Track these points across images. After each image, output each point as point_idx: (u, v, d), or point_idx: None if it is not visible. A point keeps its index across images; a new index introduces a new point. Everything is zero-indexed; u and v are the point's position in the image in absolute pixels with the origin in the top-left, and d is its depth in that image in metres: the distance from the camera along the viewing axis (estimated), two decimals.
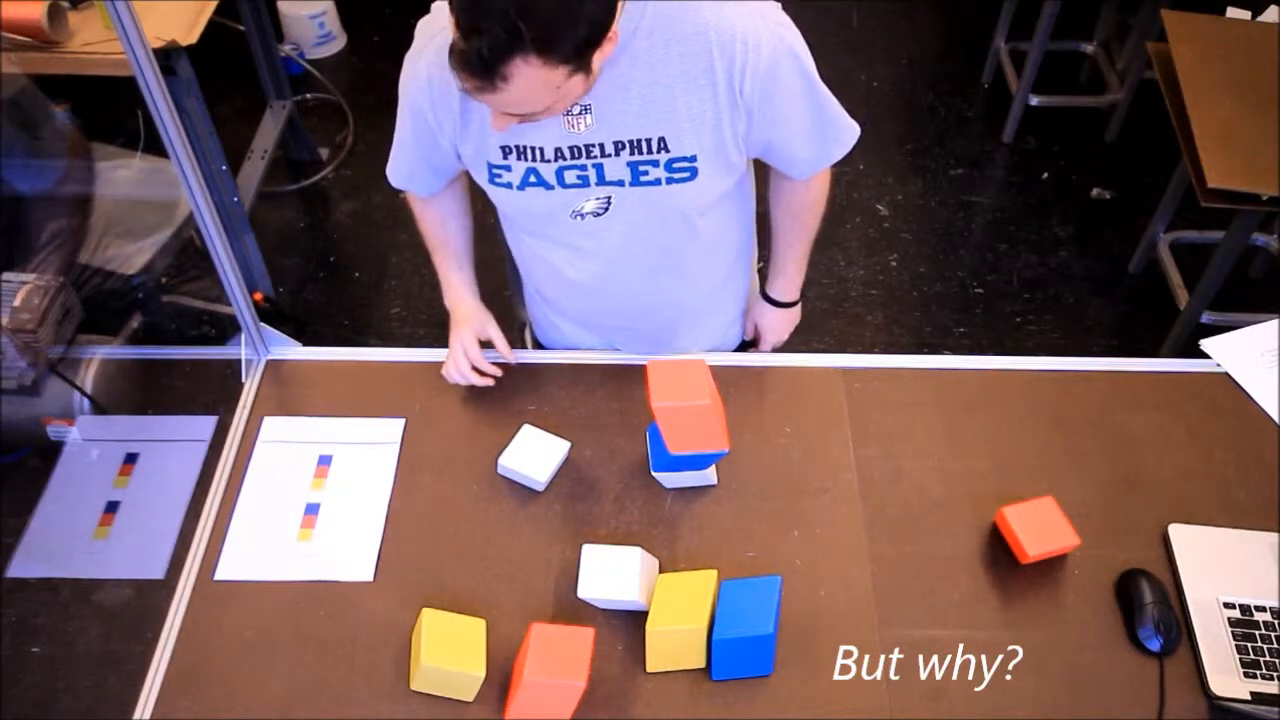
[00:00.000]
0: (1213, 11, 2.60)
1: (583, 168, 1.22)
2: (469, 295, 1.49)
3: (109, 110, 2.48)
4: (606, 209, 1.26)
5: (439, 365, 1.47)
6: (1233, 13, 2.62)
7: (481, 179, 1.28)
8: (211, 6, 2.27)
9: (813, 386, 1.48)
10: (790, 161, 1.33)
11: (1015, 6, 3.38)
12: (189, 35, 2.18)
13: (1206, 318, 2.56)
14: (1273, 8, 2.64)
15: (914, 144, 3.36)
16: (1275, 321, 1.57)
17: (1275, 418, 1.44)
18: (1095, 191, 3.23)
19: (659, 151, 1.20)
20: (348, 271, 2.96)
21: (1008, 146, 3.38)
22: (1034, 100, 3.31)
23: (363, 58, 3.69)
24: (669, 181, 1.23)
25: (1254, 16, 2.62)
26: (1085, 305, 2.91)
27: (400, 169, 1.38)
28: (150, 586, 1.31)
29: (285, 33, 3.59)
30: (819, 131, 1.29)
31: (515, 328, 1.76)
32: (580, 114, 1.17)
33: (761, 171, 1.42)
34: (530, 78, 0.99)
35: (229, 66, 2.99)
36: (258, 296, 2.64)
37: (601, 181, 1.23)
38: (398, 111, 1.29)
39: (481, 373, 1.44)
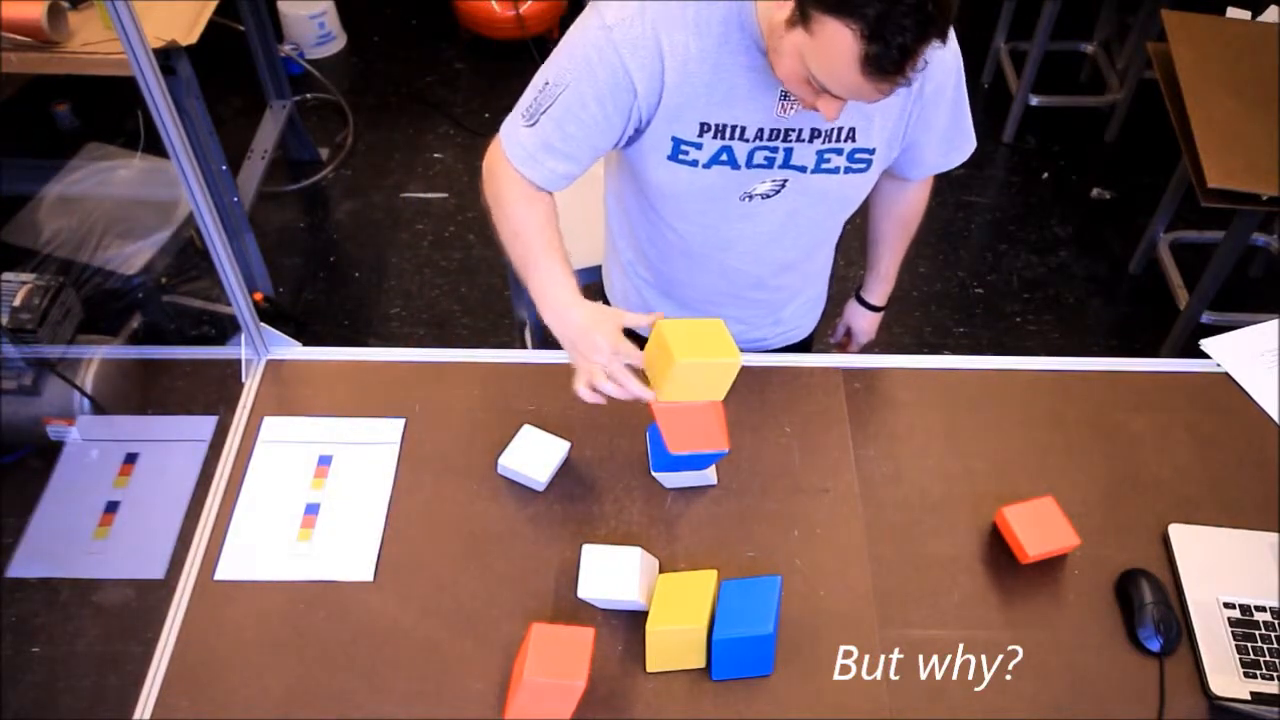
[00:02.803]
0: (1213, 11, 2.60)
1: (774, 150, 1.23)
2: (578, 296, 1.24)
3: (109, 110, 2.48)
4: (777, 192, 1.28)
5: (439, 365, 1.47)
6: (1233, 13, 2.63)
7: (657, 156, 1.23)
8: (211, 6, 2.27)
9: (813, 386, 1.48)
10: (914, 163, 1.36)
11: (1015, 6, 3.38)
12: (189, 35, 2.18)
13: (1206, 318, 2.56)
14: (1273, 8, 2.64)
15: None
16: (1275, 321, 1.57)
17: (1275, 418, 1.44)
18: (1095, 191, 3.23)
19: (846, 141, 1.23)
20: (348, 271, 2.96)
21: (1008, 146, 3.38)
22: (1034, 100, 3.32)
23: (363, 58, 3.70)
24: (846, 171, 1.26)
25: (1254, 16, 2.63)
26: (1085, 305, 2.91)
27: (550, 158, 1.22)
28: (150, 586, 1.31)
29: (285, 33, 3.59)
30: (950, 138, 1.33)
31: (515, 327, 1.76)
32: (795, 100, 1.18)
33: None
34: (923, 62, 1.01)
35: (229, 66, 2.99)
36: (258, 296, 2.64)
37: (785, 165, 1.25)
38: (559, 87, 1.17)
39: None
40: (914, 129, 1.27)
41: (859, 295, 1.66)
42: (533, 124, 1.21)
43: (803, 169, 1.25)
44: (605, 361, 1.19)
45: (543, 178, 1.24)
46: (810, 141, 1.23)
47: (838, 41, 0.99)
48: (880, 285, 1.63)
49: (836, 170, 1.26)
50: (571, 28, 1.20)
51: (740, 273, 1.42)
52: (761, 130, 1.21)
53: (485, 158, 1.29)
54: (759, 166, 1.25)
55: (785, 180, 1.26)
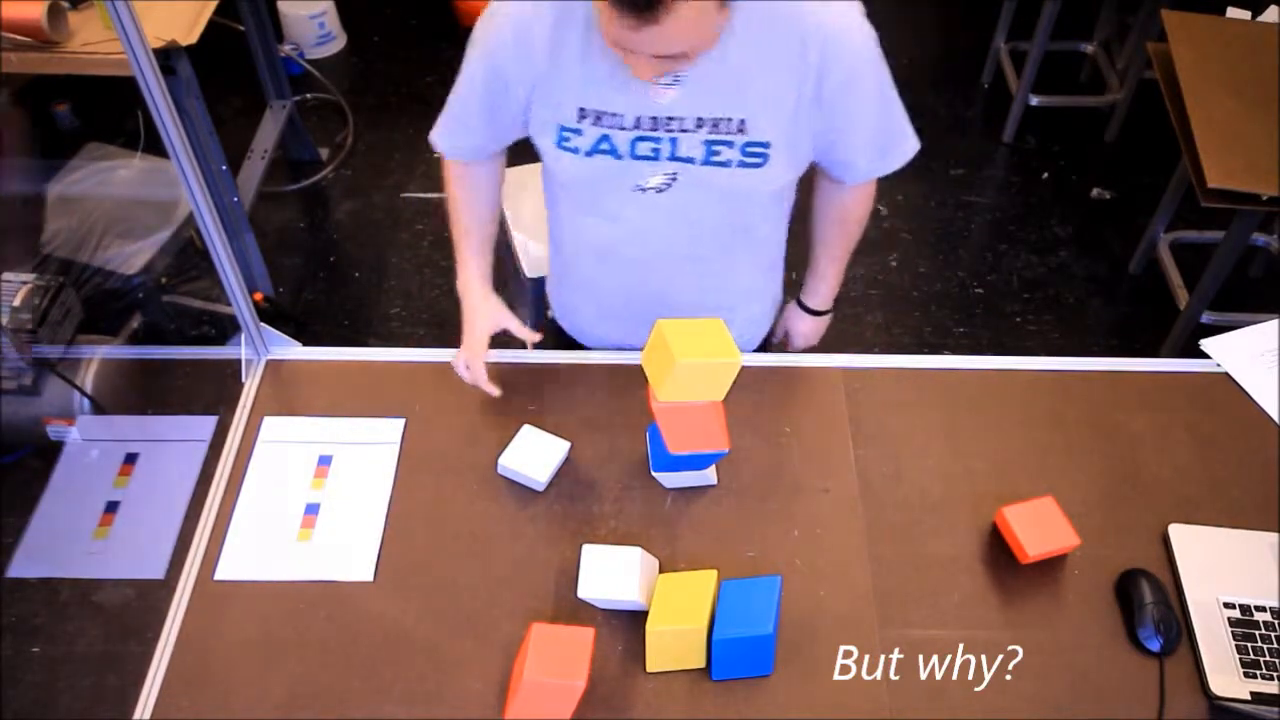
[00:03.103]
0: (1213, 11, 2.60)
1: (657, 140, 1.22)
2: (483, 284, 1.45)
3: (109, 110, 2.48)
4: (670, 186, 1.27)
5: (439, 365, 1.47)
6: (1233, 13, 2.62)
7: (547, 142, 1.26)
8: (211, 6, 2.27)
9: (813, 386, 1.48)
10: (845, 166, 1.33)
11: (1015, 6, 3.38)
12: (189, 35, 2.18)
13: (1206, 318, 2.56)
14: (1273, 8, 2.64)
15: None
16: (1275, 321, 1.57)
17: (1275, 418, 1.44)
18: (1095, 191, 3.23)
19: (737, 133, 1.21)
20: (348, 271, 2.96)
21: (1008, 146, 3.38)
22: (1034, 100, 3.32)
23: (363, 58, 3.69)
24: (740, 165, 1.23)
25: (1254, 16, 2.63)
26: (1085, 305, 2.91)
27: (453, 130, 1.35)
28: (150, 586, 1.31)
29: (285, 33, 3.59)
30: (882, 140, 1.30)
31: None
32: (670, 85, 1.18)
33: (803, 182, 1.40)
34: (688, 8, 1.00)
35: (229, 66, 2.99)
36: (258, 296, 2.64)
37: (673, 157, 1.23)
38: (465, 65, 1.27)
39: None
40: (826, 127, 1.24)
41: (799, 298, 1.62)
42: (455, 100, 1.32)
43: (691, 160, 1.24)
44: (462, 361, 1.41)
45: (449, 148, 1.38)
46: (696, 130, 1.21)
47: None
48: (818, 288, 1.56)
49: (729, 164, 1.23)
50: None
51: (649, 275, 1.40)
52: (640, 118, 1.21)
53: None
54: (645, 158, 1.24)
55: (676, 173, 1.25)
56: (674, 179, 1.26)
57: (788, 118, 1.21)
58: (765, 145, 1.22)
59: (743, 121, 1.20)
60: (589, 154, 1.24)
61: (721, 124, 1.21)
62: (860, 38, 1.18)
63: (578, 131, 1.23)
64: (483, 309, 1.43)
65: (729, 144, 1.22)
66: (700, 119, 1.20)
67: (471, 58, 1.26)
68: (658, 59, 1.07)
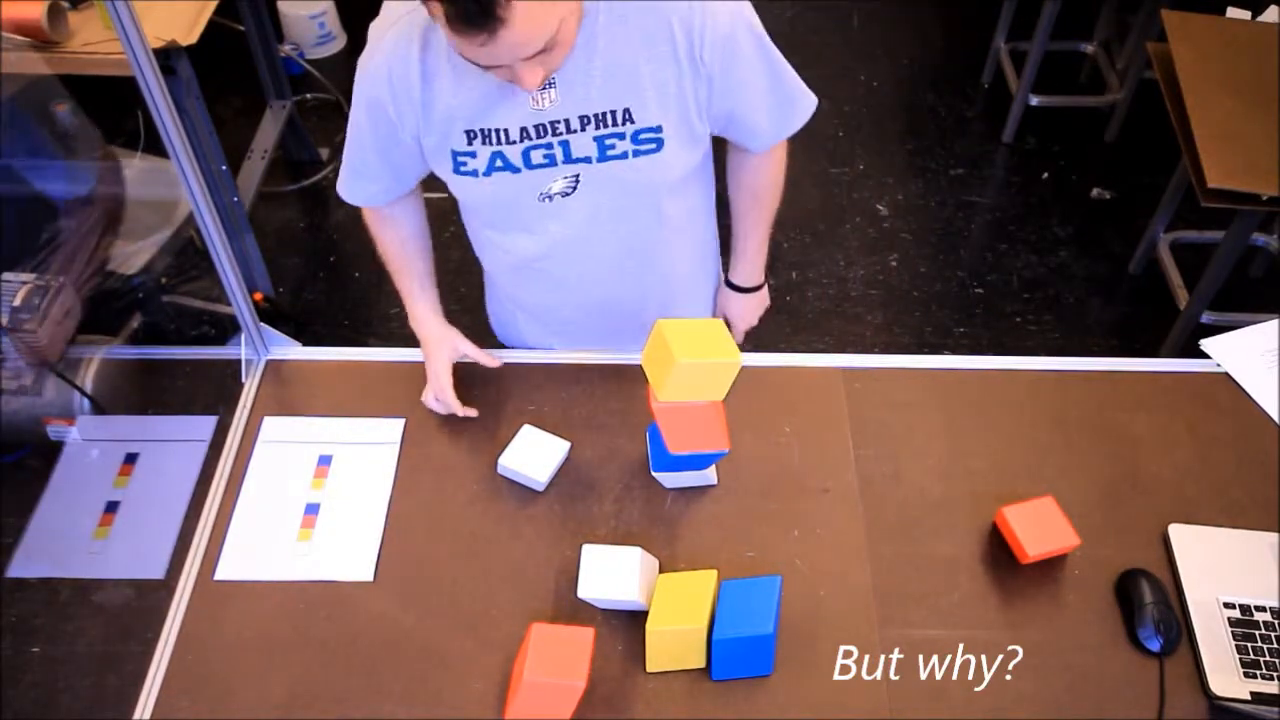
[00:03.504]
0: (1213, 11, 2.60)
1: (549, 146, 1.22)
2: (434, 317, 1.44)
3: (109, 110, 2.48)
4: (574, 188, 1.26)
5: None
6: (1233, 13, 2.62)
7: (445, 171, 1.27)
8: (211, 6, 2.27)
9: (813, 386, 1.48)
10: (751, 133, 1.34)
11: (1015, 6, 3.38)
12: (189, 35, 2.18)
13: (1206, 318, 2.56)
14: (1273, 8, 2.64)
15: (914, 144, 3.36)
16: (1275, 321, 1.57)
17: (1275, 418, 1.44)
18: (1095, 191, 3.23)
19: (624, 124, 1.21)
20: (348, 271, 2.97)
21: (1008, 146, 3.38)
22: (1034, 100, 3.32)
23: None
24: (635, 154, 1.23)
25: (1254, 16, 2.62)
26: (1085, 305, 2.91)
27: (356, 180, 1.35)
28: (150, 586, 1.31)
29: (285, 33, 3.59)
30: (778, 101, 1.30)
31: None
32: (545, 89, 1.17)
33: (718, 160, 1.41)
34: (529, 6, 0.98)
35: (229, 66, 2.99)
36: (258, 296, 2.64)
37: (568, 159, 1.23)
38: (350, 116, 1.27)
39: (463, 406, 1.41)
40: (719, 101, 1.23)
41: (726, 277, 1.59)
42: (349, 152, 1.33)
43: (588, 160, 1.23)
44: (437, 384, 1.40)
45: (361, 198, 1.39)
46: (583, 130, 1.21)
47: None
48: (742, 264, 1.54)
49: (624, 155, 1.23)
50: None
51: (575, 281, 1.40)
52: (525, 129, 1.20)
53: None
54: (541, 166, 1.24)
55: (577, 175, 1.25)
56: (576, 181, 1.25)
57: (673, 97, 1.20)
58: (657, 130, 1.22)
59: (628, 111, 1.20)
60: (486, 173, 1.24)
61: (606, 118, 1.20)
62: (725, 6, 1.17)
63: (471, 154, 1.23)
64: (440, 341, 1.42)
65: (620, 135, 1.22)
66: (584, 117, 1.20)
67: (355, 108, 1.26)
68: (530, 63, 1.05)
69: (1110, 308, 2.91)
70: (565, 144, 1.22)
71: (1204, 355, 1.53)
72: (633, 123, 1.21)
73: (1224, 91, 2.33)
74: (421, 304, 1.44)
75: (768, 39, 1.24)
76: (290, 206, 3.16)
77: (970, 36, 3.74)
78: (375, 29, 1.22)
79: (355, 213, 1.47)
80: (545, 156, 1.23)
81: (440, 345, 1.42)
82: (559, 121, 1.20)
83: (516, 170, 1.24)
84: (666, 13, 1.15)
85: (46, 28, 2.08)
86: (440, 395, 1.40)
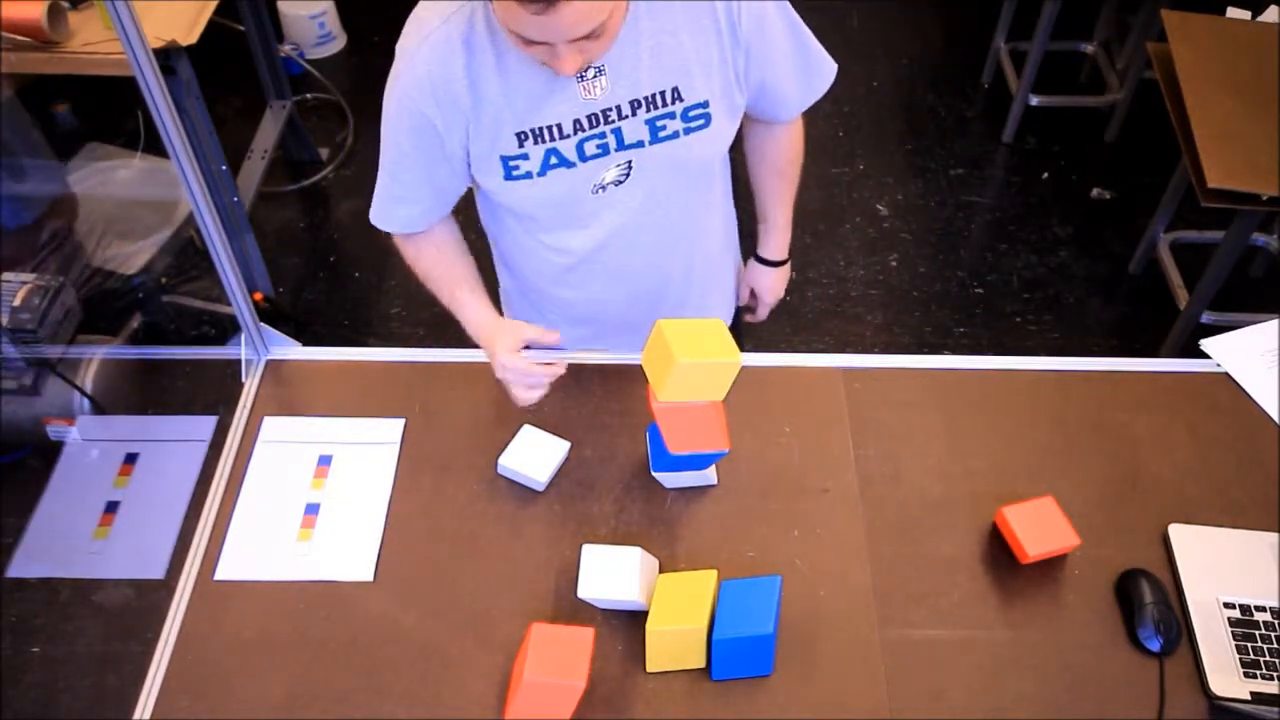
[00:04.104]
0: (1213, 11, 2.60)
1: (602, 135, 1.22)
2: (490, 315, 1.36)
3: (109, 110, 2.48)
4: (627, 175, 1.27)
5: (439, 365, 1.47)
6: (1233, 13, 2.63)
7: (495, 180, 1.25)
8: (211, 6, 2.27)
9: (813, 386, 1.48)
10: (780, 101, 1.35)
11: (1015, 6, 3.38)
12: (189, 35, 2.18)
13: (1206, 318, 2.56)
14: (1273, 8, 2.64)
15: (914, 144, 3.36)
16: (1275, 321, 1.57)
17: (1275, 418, 1.44)
18: (1095, 191, 3.23)
19: (674, 102, 1.22)
20: (348, 271, 2.97)
21: (1008, 146, 3.38)
22: (1034, 100, 3.32)
23: (363, 58, 3.69)
24: (686, 132, 1.24)
25: (1254, 16, 2.63)
26: (1085, 305, 2.91)
27: (395, 205, 1.30)
28: (150, 586, 1.31)
29: (285, 33, 3.59)
30: (804, 67, 1.33)
31: None
32: (595, 77, 1.18)
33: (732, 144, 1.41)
34: None
35: (229, 66, 2.99)
36: (258, 296, 2.64)
37: (621, 146, 1.24)
38: (385, 138, 1.24)
39: (547, 364, 1.31)
40: (754, 70, 1.25)
41: (756, 253, 1.61)
42: (387, 175, 1.29)
43: (640, 144, 1.24)
44: (512, 378, 1.30)
45: (400, 224, 1.33)
46: (634, 114, 1.21)
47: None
48: (773, 237, 1.57)
49: (676, 135, 1.24)
50: None
51: (624, 269, 1.39)
52: (578, 121, 1.20)
53: None
54: (595, 157, 1.24)
55: (630, 161, 1.25)
56: (629, 167, 1.26)
57: (716, 69, 1.22)
58: (704, 105, 1.23)
59: (676, 90, 1.21)
60: (541, 173, 1.23)
61: (656, 99, 1.21)
62: None
63: (523, 156, 1.22)
64: (502, 332, 1.32)
65: (670, 115, 1.23)
66: (635, 101, 1.21)
67: (392, 127, 1.23)
68: (575, 45, 1.05)
69: (1110, 308, 2.91)
70: (618, 131, 1.22)
71: (1204, 355, 1.53)
72: (681, 100, 1.22)
73: (1224, 91, 2.33)
74: (474, 309, 1.36)
75: (790, 6, 1.26)
76: (290, 206, 3.16)
77: (970, 36, 3.74)
78: (405, 45, 1.19)
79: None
80: (599, 146, 1.23)
81: (499, 339, 1.30)
82: (610, 109, 1.21)
83: (571, 165, 1.23)
84: None
85: (46, 28, 2.08)
86: (529, 374, 1.29)
